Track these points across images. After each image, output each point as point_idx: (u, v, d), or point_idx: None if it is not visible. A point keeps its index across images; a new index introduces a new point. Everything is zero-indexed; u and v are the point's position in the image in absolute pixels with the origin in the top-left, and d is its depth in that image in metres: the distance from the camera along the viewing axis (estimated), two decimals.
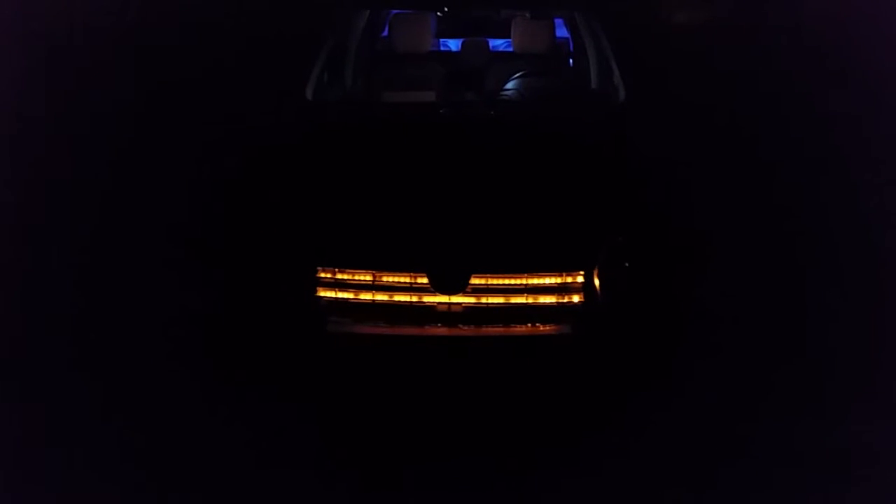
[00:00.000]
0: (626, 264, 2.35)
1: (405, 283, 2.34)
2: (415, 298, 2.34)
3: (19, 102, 3.37)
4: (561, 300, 2.34)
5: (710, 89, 3.25)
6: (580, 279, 2.33)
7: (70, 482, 2.20)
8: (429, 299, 2.33)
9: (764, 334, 2.54)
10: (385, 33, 4.48)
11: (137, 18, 3.74)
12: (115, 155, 3.21)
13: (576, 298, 2.34)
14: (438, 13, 5.40)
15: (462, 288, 2.31)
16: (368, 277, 2.34)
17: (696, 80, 3.20)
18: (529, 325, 2.34)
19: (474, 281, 2.31)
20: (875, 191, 3.16)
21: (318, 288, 2.35)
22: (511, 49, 4.16)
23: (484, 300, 2.33)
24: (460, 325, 2.33)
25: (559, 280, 2.34)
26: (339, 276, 2.35)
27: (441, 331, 2.33)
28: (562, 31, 4.56)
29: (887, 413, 2.38)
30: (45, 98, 3.39)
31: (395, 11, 4.13)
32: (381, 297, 2.34)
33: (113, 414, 2.38)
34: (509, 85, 3.37)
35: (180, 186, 2.81)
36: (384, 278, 2.34)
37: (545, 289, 2.34)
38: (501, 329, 2.33)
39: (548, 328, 2.34)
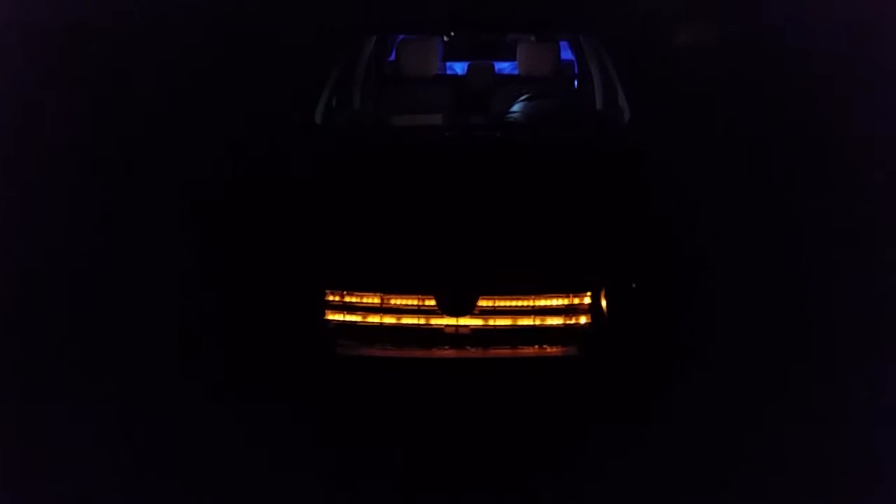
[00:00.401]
0: (633, 285, 2.36)
1: (413, 305, 2.35)
2: (422, 321, 2.35)
3: (20, 102, 3.39)
4: (568, 321, 2.34)
5: (714, 110, 3.26)
6: (587, 300, 2.34)
7: (71, 483, 2.21)
8: (436, 321, 2.34)
9: (768, 353, 2.53)
10: (392, 57, 4.53)
11: (143, 40, 3.77)
12: (128, 172, 3.23)
13: (583, 320, 2.34)
14: (445, 37, 5.46)
15: (470, 310, 2.32)
16: (376, 300, 2.36)
17: (700, 102, 3.22)
18: (537, 346, 2.34)
19: (482, 303, 2.32)
20: (878, 202, 3.16)
21: (326, 311, 2.37)
22: (516, 72, 4.20)
23: (491, 322, 2.34)
24: (468, 347, 2.34)
25: (566, 301, 2.34)
26: (347, 298, 2.37)
27: (449, 353, 2.34)
28: (567, 54, 4.59)
29: (889, 421, 2.37)
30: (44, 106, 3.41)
31: (402, 36, 4.19)
32: (389, 319, 2.36)
33: (117, 424, 2.40)
34: (515, 107, 3.39)
35: (189, 208, 2.84)
36: (392, 301, 2.35)
37: (552, 310, 2.35)
38: (509, 351, 2.34)
39: (555, 350, 2.34)
